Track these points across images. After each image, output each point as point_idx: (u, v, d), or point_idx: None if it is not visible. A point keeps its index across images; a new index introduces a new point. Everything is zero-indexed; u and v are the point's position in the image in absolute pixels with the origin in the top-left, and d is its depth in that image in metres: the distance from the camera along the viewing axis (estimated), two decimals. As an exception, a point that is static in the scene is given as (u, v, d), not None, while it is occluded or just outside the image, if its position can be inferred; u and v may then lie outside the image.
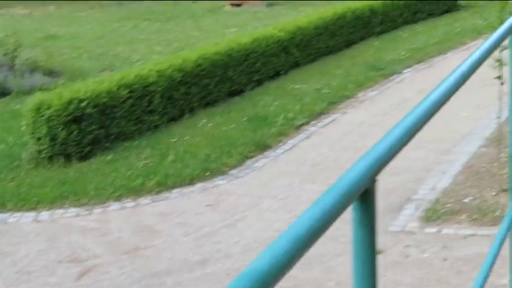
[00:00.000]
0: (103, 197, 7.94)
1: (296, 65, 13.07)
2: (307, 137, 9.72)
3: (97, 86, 9.47)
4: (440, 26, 16.59)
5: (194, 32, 17.67)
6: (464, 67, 1.93)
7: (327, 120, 10.36)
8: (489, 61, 7.34)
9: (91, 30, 18.85)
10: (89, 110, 9.06)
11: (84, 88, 9.31)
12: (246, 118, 10.28)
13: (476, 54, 2.23)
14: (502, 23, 2.77)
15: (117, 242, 6.94)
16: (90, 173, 8.54)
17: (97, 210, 7.71)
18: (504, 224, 2.75)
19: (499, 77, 7.29)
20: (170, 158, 8.86)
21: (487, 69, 7.45)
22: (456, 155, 8.61)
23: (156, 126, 9.94)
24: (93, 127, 9.12)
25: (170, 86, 10.24)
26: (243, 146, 9.21)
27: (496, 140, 8.15)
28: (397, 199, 7.47)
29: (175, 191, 8.11)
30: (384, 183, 7.71)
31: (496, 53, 7.23)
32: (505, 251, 3.04)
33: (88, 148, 9.06)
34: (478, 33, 9.07)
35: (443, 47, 14.35)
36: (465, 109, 10.20)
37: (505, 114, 9.52)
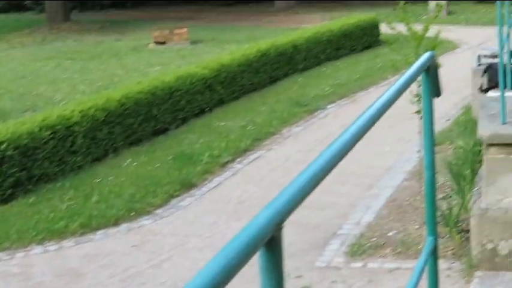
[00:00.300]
0: (25, 240, 7.78)
1: (221, 102, 13.11)
2: (233, 175, 9.72)
3: (18, 127, 9.32)
4: (362, 61, 16.87)
5: (118, 71, 17.57)
6: (376, 106, 1.95)
7: (252, 157, 10.39)
8: (409, 96, 7.48)
9: (12, 70, 18.58)
10: (9, 152, 8.91)
11: (4, 130, 9.15)
12: (171, 157, 10.23)
13: (391, 91, 2.26)
14: (418, 58, 2.82)
15: (40, 287, 6.80)
16: (12, 217, 8.37)
17: (19, 254, 7.55)
18: (421, 258, 2.78)
19: (419, 112, 7.42)
20: (94, 198, 8.74)
21: (408, 104, 7.60)
22: (380, 189, 8.71)
23: (80, 167, 9.82)
24: (15, 169, 8.96)
25: (93, 126, 10.14)
26: (168, 185, 9.15)
27: (418, 173, 8.28)
28: (322, 234, 7.50)
29: (100, 232, 8.00)
30: (309, 218, 7.76)
31: (414, 88, 7.36)
32: (423, 282, 3.07)
33: (9, 191, 8.88)
34: (396, 69, 9.26)
35: (365, 82, 14.58)
36: (388, 144, 10.35)
37: (426, 147, 9.70)
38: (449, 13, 25.38)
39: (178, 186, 9.16)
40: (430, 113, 2.72)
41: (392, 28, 8.25)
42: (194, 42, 22.14)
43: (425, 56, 2.57)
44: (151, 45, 21.94)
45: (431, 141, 2.72)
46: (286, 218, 1.27)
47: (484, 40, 18.37)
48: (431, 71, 2.62)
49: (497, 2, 6.53)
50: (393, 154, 9.95)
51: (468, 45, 18.75)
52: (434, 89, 2.74)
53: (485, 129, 6.36)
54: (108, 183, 9.27)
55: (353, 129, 1.74)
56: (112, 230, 8.03)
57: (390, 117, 10.90)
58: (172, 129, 11.65)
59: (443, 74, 13.46)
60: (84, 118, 10.02)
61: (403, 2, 7.80)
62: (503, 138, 6.23)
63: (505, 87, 6.92)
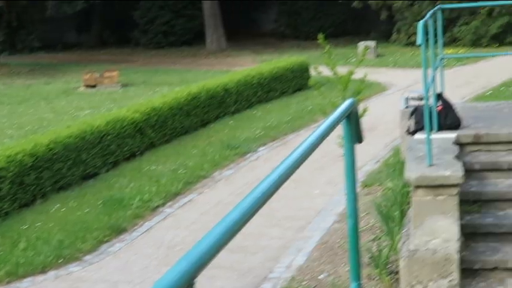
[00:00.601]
0: (-51, 290, 7.58)
1: (152, 145, 13.03)
2: (164, 219, 9.64)
3: None
4: (293, 104, 17.00)
5: (47, 114, 17.37)
6: (294, 156, 1.94)
7: (183, 201, 10.33)
8: (338, 139, 7.50)
9: None
10: None
11: None
12: (101, 201, 10.10)
13: (311, 139, 2.26)
14: (344, 100, 2.84)
15: (-37, 338, 6.61)
16: None
17: None
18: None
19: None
20: (21, 245, 8.56)
21: (336, 147, 7.72)
22: (311, 231, 8.72)
23: (7, 213, 9.61)
24: None
25: (21, 171, 9.97)
26: (97, 230, 9.03)
27: (348, 215, 8.31)
28: (254, 279, 7.47)
29: (27, 280, 7.82)
30: (241, 263, 7.72)
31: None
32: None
33: None
34: (324, 112, 9.37)
35: (296, 124, 14.68)
36: (318, 186, 10.40)
37: (356, 189, 9.77)
38: (378, 56, 25.82)
39: (108, 231, 9.04)
40: (352, 159, 2.73)
41: (319, 73, 8.34)
42: (125, 85, 22.04)
43: (346, 103, 2.59)
44: (82, 89, 21.78)
45: (354, 189, 2.72)
46: (199, 273, 1.24)
47: (412, 82, 18.71)
48: (352, 118, 2.63)
49: (422, 45, 6.65)
50: (324, 196, 9.99)
51: (397, 87, 19.05)
52: (355, 135, 2.75)
53: (412, 172, 6.44)
54: (35, 229, 9.10)
55: (264, 185, 1.73)
56: (39, 278, 7.86)
57: (320, 159, 10.98)
58: (102, 174, 11.52)
59: (373, 115, 13.59)
60: (11, 163, 9.85)
61: (329, 46, 7.89)
62: (430, 180, 6.31)
63: (431, 129, 7.03)
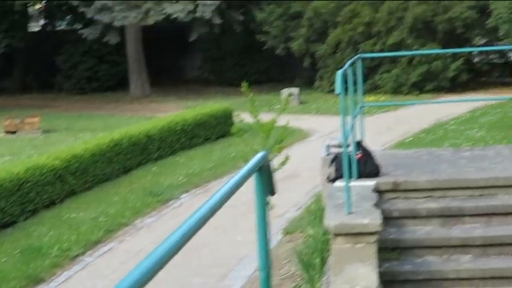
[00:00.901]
0: None
1: (72, 193, 12.84)
2: (83, 268, 9.46)
3: None
4: (216, 150, 17.00)
5: (-35, 161, 16.98)
6: (198, 215, 1.92)
7: (103, 250, 10.16)
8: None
9: None
10: None
11: None
12: (18, 250, 9.88)
13: (219, 195, 2.24)
14: (265, 148, 2.83)
15: None
16: None
17: None
18: None
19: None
20: None
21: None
22: (233, 280, 8.67)
23: None
24: None
25: None
26: (14, 280, 8.81)
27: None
28: (174, 329, 7.36)
29: None
30: (160, 313, 7.60)
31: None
32: None
33: None
34: (246, 160, 9.44)
35: (218, 171, 14.66)
36: (240, 233, 10.36)
37: (276, 238, 9.77)
38: (301, 102, 26.07)
39: (25, 281, 8.84)
40: (264, 212, 2.72)
41: (241, 120, 8.35)
42: (47, 131, 21.75)
43: (258, 156, 2.58)
44: (1, 135, 21.40)
45: (265, 241, 2.71)
46: None
47: (334, 129, 18.87)
48: (263, 171, 2.63)
49: (341, 94, 6.74)
50: (245, 244, 9.95)
51: (320, 134, 19.22)
52: (267, 187, 2.74)
53: (331, 220, 6.47)
54: (-51, 280, 8.83)
55: (172, 238, 1.71)
56: (-48, 331, 7.62)
57: (239, 206, 10.96)
58: (21, 222, 11.29)
59: (296, 162, 13.64)
60: None
61: (252, 94, 7.91)
62: (349, 228, 6.35)
63: (350, 177, 7.09)
